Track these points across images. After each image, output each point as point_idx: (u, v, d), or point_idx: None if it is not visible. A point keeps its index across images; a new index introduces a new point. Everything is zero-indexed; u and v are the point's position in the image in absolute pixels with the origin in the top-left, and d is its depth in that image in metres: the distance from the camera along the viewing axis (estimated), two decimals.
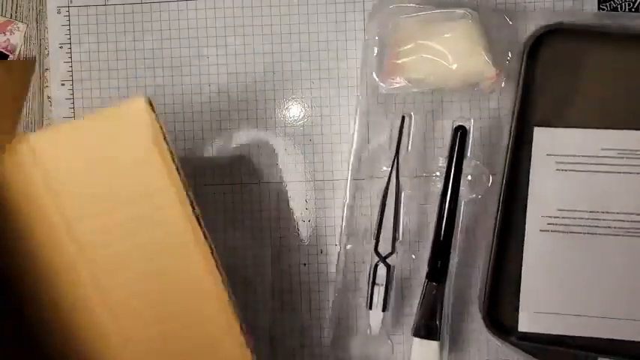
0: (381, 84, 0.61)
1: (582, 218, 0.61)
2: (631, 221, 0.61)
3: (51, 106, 0.68)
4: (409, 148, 0.63)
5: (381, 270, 0.62)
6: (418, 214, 0.64)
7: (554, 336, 0.62)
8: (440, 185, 0.61)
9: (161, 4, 0.67)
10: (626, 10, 0.64)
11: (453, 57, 0.58)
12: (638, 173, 0.61)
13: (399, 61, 0.59)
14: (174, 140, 0.67)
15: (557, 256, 0.62)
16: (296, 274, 0.66)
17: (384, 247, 0.62)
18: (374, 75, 0.62)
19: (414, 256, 0.64)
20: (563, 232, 0.62)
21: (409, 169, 0.63)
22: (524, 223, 0.62)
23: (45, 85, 0.69)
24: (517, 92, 0.60)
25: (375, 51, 0.62)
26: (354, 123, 0.64)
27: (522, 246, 0.62)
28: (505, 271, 0.62)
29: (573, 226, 0.61)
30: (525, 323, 0.62)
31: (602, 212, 0.61)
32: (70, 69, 0.68)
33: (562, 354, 0.61)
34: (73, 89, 0.68)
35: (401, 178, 0.62)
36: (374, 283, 0.62)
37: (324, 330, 0.66)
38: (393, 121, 0.63)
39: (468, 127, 0.61)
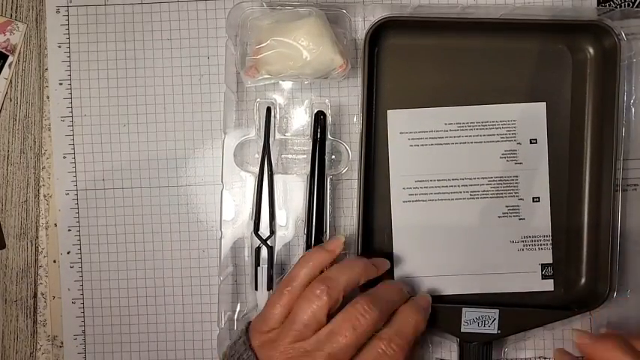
0: (246, 79, 0.65)
1: (435, 187, 0.68)
2: (472, 185, 0.68)
3: (49, 105, 0.68)
4: (276, 135, 0.68)
5: (263, 252, 0.66)
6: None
7: None
8: (307, 166, 0.66)
9: (161, 5, 0.68)
10: (626, 6, 0.69)
11: (305, 50, 0.64)
12: (474, 142, 0.68)
13: (259, 56, 0.64)
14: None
15: (420, 224, 0.68)
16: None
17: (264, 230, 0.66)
18: (238, 71, 0.66)
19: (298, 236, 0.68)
20: (423, 200, 0.68)
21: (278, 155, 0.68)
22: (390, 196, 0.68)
23: (44, 85, 0.68)
24: (363, 79, 0.66)
25: (236, 50, 0.66)
26: (222, 117, 0.68)
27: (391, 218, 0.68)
28: (378, 241, 0.68)
29: (429, 194, 0.68)
30: None
31: (450, 179, 0.68)
32: (68, 69, 0.68)
33: (433, 310, 0.66)
34: (71, 89, 0.68)
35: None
36: (257, 264, 0.66)
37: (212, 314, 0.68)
38: (259, 111, 0.67)
39: (326, 112, 0.67)
